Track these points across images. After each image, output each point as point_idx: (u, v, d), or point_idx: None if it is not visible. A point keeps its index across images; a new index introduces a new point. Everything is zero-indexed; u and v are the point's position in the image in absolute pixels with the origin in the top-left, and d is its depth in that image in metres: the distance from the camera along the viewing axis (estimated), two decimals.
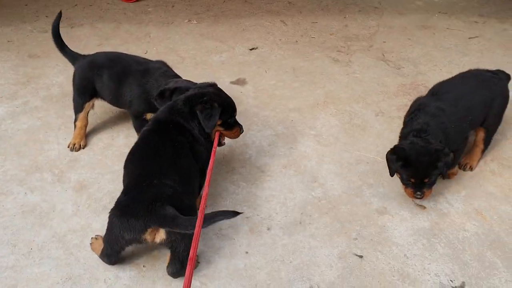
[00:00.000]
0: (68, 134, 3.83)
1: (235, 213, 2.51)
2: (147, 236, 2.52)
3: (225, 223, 3.11)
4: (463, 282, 2.76)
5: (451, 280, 2.77)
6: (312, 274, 2.80)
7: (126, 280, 2.74)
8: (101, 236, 2.84)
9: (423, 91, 4.40)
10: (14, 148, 3.70)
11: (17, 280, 2.72)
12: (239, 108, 4.02)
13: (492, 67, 4.82)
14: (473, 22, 5.86)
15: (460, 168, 3.56)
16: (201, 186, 2.98)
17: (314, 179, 3.46)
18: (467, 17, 5.97)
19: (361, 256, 2.91)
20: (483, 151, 3.61)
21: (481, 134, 3.55)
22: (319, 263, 2.87)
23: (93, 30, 5.53)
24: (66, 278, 2.74)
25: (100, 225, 3.07)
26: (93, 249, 2.87)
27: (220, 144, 3.20)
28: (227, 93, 3.22)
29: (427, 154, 3.02)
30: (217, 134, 3.12)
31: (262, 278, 2.77)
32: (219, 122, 3.07)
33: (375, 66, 4.92)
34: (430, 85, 4.44)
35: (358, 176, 3.50)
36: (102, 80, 3.60)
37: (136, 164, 2.82)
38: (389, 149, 3.16)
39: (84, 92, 3.68)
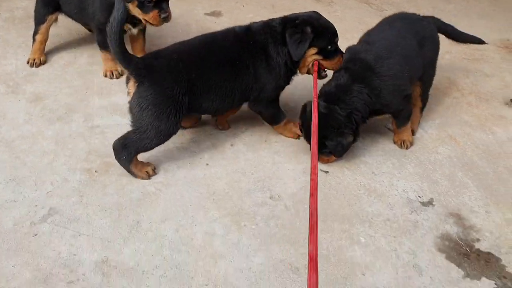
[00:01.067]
0: (28, 51, 3.61)
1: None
2: None
3: (186, 136, 2.95)
4: (432, 198, 2.63)
5: (419, 196, 2.64)
6: (274, 186, 2.66)
7: (74, 183, 2.57)
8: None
9: None
10: None
11: None
12: None
13: (479, 15, 4.72)
14: None
15: (397, 145, 2.99)
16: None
17: (285, 104, 3.30)
18: None
19: (326, 172, 2.76)
20: (422, 110, 3.11)
21: (417, 90, 3.02)
22: (282, 176, 2.73)
23: None
24: (10, 179, 2.56)
25: (52, 132, 2.89)
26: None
27: (320, 76, 2.75)
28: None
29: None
30: (315, 64, 2.72)
31: (221, 187, 2.62)
32: (314, 51, 2.69)
33: (357, 7, 4.76)
34: None
35: None
36: None
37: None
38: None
39: (48, 3, 3.45)
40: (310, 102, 2.62)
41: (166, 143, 2.69)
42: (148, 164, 2.66)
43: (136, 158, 2.59)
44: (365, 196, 2.62)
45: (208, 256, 2.24)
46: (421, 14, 3.20)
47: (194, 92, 2.56)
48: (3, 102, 3.12)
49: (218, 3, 4.59)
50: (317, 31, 2.65)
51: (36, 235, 2.28)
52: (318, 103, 2.51)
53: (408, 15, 3.16)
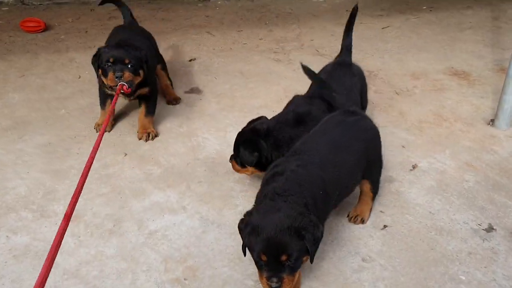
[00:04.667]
0: (28, 167, 3.34)
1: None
2: None
3: None
4: (489, 224, 2.91)
5: (479, 224, 2.91)
6: (358, 247, 2.75)
7: None
8: None
9: (368, 75, 4.66)
10: None
11: None
12: (205, 115, 3.90)
13: (414, 49, 5.31)
14: (379, 16, 6.38)
15: (350, 221, 2.93)
16: None
17: None
18: (372, 12, 6.47)
19: (393, 223, 2.93)
20: (373, 198, 2.98)
21: (367, 185, 2.91)
22: (358, 236, 2.83)
23: (7, 63, 4.94)
24: None
25: (114, 250, 2.70)
26: None
27: None
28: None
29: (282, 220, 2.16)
30: None
31: None
32: None
33: (314, 61, 5.06)
34: (371, 69, 4.78)
35: None
36: None
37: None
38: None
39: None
40: None
41: None
42: None
43: None
44: (438, 236, 2.83)
45: None
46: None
47: None
48: (39, 230, 2.84)
49: (189, 80, 4.64)
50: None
51: None
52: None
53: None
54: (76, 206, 2.93)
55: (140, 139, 3.64)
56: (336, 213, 2.98)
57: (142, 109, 3.69)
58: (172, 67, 4.84)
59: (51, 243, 2.72)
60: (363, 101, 3.55)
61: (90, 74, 4.68)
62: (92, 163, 2.19)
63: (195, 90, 4.45)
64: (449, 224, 2.91)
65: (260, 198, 2.38)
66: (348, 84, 3.34)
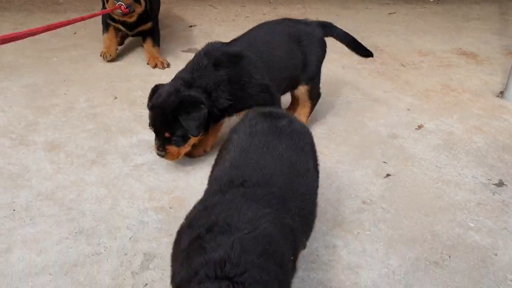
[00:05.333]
0: (11, 102, 3.14)
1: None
2: None
3: None
4: (500, 180, 2.72)
5: (489, 179, 2.72)
6: (358, 191, 2.54)
7: (155, 223, 2.22)
8: None
9: (373, 49, 4.50)
10: None
11: (8, 244, 2.04)
12: None
13: (420, 32, 5.17)
14: (385, 3, 6.25)
15: None
16: None
17: (314, 120, 3.25)
18: (378, 0, 6.36)
19: (397, 172, 2.73)
20: (312, 109, 3.07)
21: (303, 89, 2.97)
22: (358, 182, 2.63)
23: (1, 18, 4.76)
24: (76, 232, 2.13)
25: (95, 178, 2.49)
26: None
27: None
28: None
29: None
30: None
31: None
32: None
33: None
34: (377, 45, 4.62)
35: (355, 113, 3.37)
36: None
37: None
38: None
39: None
40: (161, 85, 2.50)
41: None
42: None
43: None
44: (445, 187, 2.63)
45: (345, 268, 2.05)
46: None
47: None
48: (16, 155, 2.62)
49: (188, 41, 4.48)
50: None
51: (146, 284, 1.89)
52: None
53: (291, 20, 3.10)
54: (56, 138, 2.74)
55: (154, 67, 3.75)
56: (336, 160, 2.79)
57: (148, 41, 3.82)
58: (171, 32, 4.69)
59: (26, 168, 2.52)
60: (307, 71, 2.95)
61: (85, 31, 4.51)
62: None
63: (192, 50, 4.26)
64: (457, 177, 2.72)
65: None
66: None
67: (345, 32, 3.24)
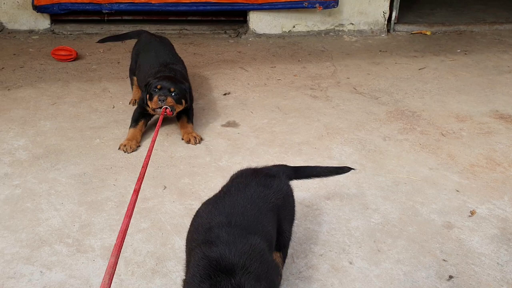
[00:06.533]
0: (62, 197, 3.16)
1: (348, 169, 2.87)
2: None
3: (300, 263, 2.70)
4: None
5: None
6: None
7: None
8: None
9: (410, 116, 4.51)
10: None
11: None
12: (244, 149, 3.72)
13: (453, 90, 5.16)
14: (413, 57, 6.27)
15: None
16: None
17: (365, 206, 3.22)
18: (406, 53, 6.38)
19: (459, 273, 2.68)
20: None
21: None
22: (422, 287, 2.58)
23: (38, 90, 4.84)
24: None
25: None
26: None
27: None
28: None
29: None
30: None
31: None
32: None
33: (353, 98, 4.94)
34: (413, 109, 4.62)
35: (406, 197, 3.34)
36: None
37: None
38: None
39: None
40: None
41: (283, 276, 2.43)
42: None
43: None
44: None
45: None
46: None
47: None
48: (76, 266, 2.62)
49: (226, 113, 4.48)
50: None
51: None
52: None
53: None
54: (112, 242, 2.73)
55: (188, 142, 3.85)
56: (395, 260, 2.75)
57: (182, 118, 3.99)
58: (209, 101, 4.73)
59: (88, 282, 2.51)
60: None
61: (124, 105, 4.56)
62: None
63: (231, 124, 4.29)
64: None
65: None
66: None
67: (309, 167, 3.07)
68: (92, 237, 2.83)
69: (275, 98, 4.87)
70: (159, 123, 3.41)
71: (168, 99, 3.73)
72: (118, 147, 3.77)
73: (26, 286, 2.47)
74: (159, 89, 3.74)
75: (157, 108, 3.73)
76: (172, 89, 3.77)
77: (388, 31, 7.18)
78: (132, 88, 4.68)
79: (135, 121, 3.92)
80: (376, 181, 3.49)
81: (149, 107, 3.83)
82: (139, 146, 3.83)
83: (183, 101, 3.87)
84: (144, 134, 3.97)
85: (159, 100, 3.69)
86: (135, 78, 4.56)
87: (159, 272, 2.60)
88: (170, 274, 2.59)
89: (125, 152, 3.71)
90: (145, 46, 4.58)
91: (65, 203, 3.13)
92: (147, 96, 3.82)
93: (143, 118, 3.95)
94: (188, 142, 3.86)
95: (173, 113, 3.78)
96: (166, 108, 3.70)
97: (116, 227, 2.91)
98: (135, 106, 4.18)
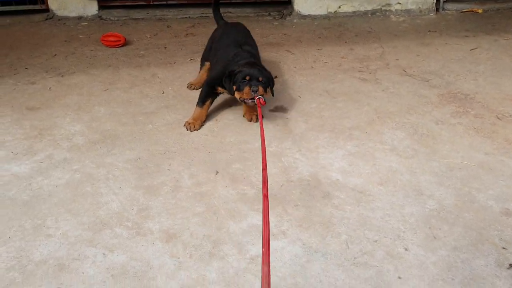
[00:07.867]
0: (120, 182, 3.26)
1: None
2: None
3: (354, 249, 2.70)
4: None
5: None
6: (483, 285, 2.45)
7: None
8: None
9: (463, 98, 4.38)
10: (62, 207, 3.04)
11: None
12: (293, 134, 3.72)
13: (509, 72, 4.97)
14: (464, 36, 6.06)
15: None
16: None
17: (419, 192, 3.17)
18: (456, 33, 6.18)
19: None
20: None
21: None
22: (481, 275, 2.54)
23: (90, 76, 4.97)
24: None
25: (216, 275, 2.53)
26: None
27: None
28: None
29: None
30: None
31: None
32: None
33: (403, 81, 4.84)
34: (465, 91, 4.49)
35: (461, 183, 3.26)
36: None
37: None
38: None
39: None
40: None
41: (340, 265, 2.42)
42: None
43: None
44: None
45: None
46: None
47: None
48: (136, 248, 2.71)
49: (273, 98, 4.47)
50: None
51: None
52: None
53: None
54: (171, 225, 2.82)
55: (250, 120, 4.05)
56: (452, 247, 2.71)
57: None
58: None
59: (149, 264, 2.60)
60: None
61: (173, 90, 4.63)
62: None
63: (279, 109, 4.29)
64: None
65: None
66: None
67: None
68: (150, 221, 2.92)
69: (323, 82, 4.83)
70: (260, 117, 3.47)
71: (259, 89, 3.72)
72: (183, 124, 3.96)
73: (90, 267, 2.58)
74: (249, 80, 3.75)
75: (249, 99, 3.75)
76: (260, 79, 3.78)
77: (437, 10, 6.96)
78: (200, 71, 4.76)
79: (202, 101, 4.01)
80: (430, 166, 3.43)
81: (237, 97, 3.85)
82: (203, 125, 3.96)
83: (268, 89, 3.88)
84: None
85: (252, 91, 3.69)
86: (207, 64, 4.62)
87: (216, 255, 2.66)
88: (226, 257, 2.65)
89: (187, 130, 3.89)
90: (223, 31, 4.65)
91: (122, 187, 3.22)
92: (234, 86, 3.82)
93: (210, 97, 4.03)
94: (250, 120, 4.03)
95: (265, 102, 3.75)
96: (260, 98, 3.69)
97: (172, 211, 2.99)
98: (194, 88, 4.56)
